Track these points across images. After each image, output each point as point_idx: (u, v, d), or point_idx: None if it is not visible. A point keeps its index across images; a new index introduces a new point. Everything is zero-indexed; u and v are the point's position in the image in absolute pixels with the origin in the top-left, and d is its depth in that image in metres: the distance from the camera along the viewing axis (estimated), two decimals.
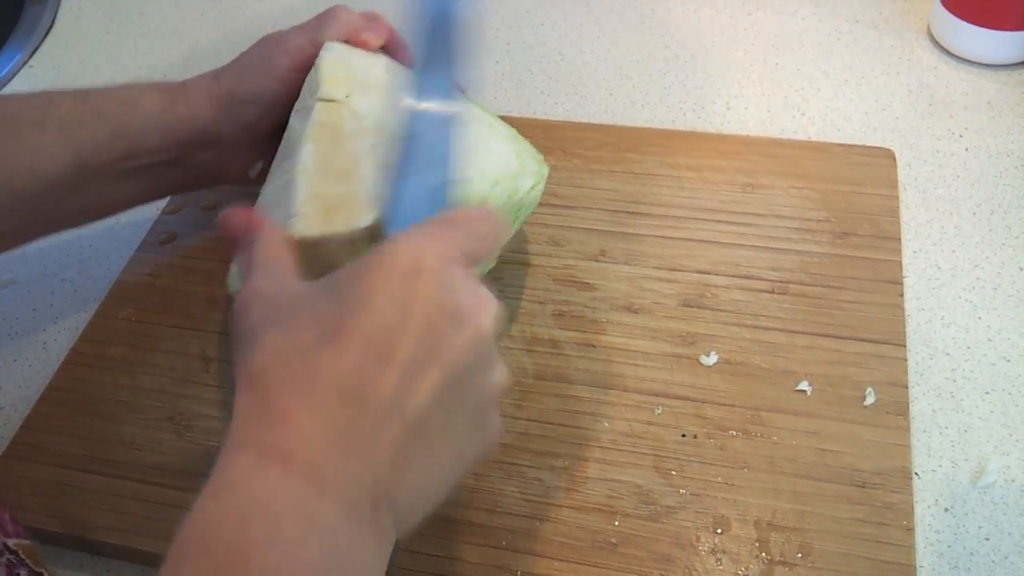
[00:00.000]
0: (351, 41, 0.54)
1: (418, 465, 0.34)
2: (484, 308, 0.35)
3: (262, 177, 0.53)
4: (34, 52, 0.85)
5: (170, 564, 0.30)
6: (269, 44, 0.56)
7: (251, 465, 0.31)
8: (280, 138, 0.53)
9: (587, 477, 0.49)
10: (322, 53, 0.52)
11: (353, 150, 0.47)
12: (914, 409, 0.51)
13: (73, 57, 0.84)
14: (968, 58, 0.71)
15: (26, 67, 0.84)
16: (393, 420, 0.33)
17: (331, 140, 0.48)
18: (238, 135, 0.56)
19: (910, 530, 0.46)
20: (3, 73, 0.82)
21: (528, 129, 0.56)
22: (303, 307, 0.35)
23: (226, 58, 0.81)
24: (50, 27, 0.88)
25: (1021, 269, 0.57)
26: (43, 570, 0.43)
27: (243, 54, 0.57)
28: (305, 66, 0.53)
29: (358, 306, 0.33)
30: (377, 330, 0.33)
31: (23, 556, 0.43)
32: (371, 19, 0.55)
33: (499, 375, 0.37)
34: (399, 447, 0.33)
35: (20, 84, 0.82)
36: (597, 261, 0.59)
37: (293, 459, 0.31)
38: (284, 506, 0.30)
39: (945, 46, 0.72)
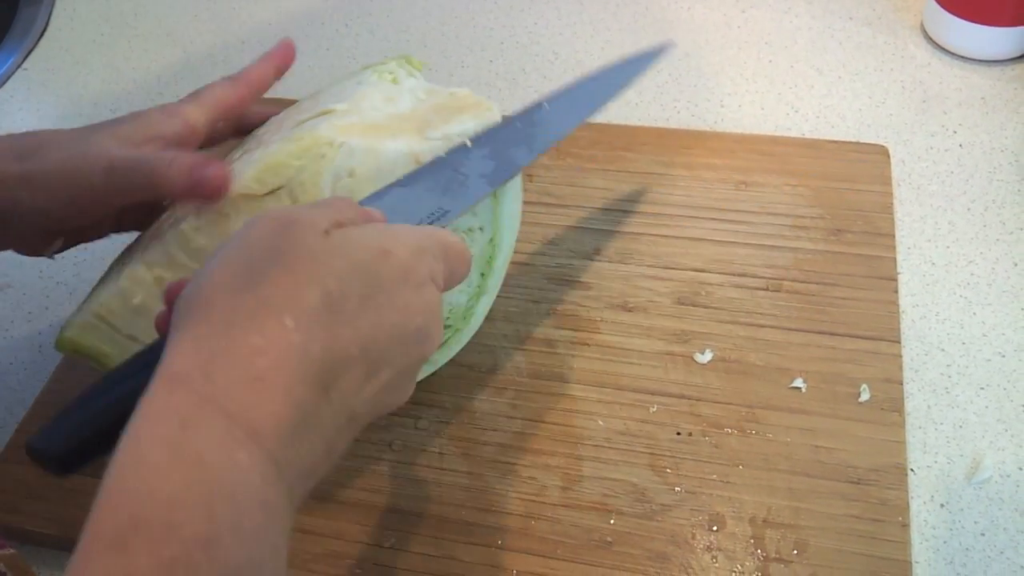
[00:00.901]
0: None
1: (338, 447, 0.34)
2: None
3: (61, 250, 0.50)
4: (28, 54, 0.85)
5: (116, 533, 0.28)
6: (88, 152, 0.45)
7: (220, 435, 0.30)
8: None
9: (582, 475, 0.49)
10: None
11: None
12: (909, 405, 0.51)
13: (67, 59, 0.84)
14: (961, 54, 0.71)
15: (20, 69, 0.84)
16: (343, 414, 0.33)
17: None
18: (32, 225, 0.47)
19: (905, 526, 0.46)
20: None
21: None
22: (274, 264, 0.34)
23: (220, 61, 0.81)
24: (44, 29, 0.88)
25: (1015, 264, 0.58)
26: None
27: (54, 146, 0.46)
28: (128, 173, 0.45)
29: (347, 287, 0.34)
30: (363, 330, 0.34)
31: (4, 568, 0.43)
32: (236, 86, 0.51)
33: (436, 340, 0.37)
34: (337, 435, 0.33)
35: (14, 86, 0.82)
36: (591, 259, 0.59)
37: (261, 439, 0.30)
38: (249, 495, 0.30)
39: (938, 42, 0.72)
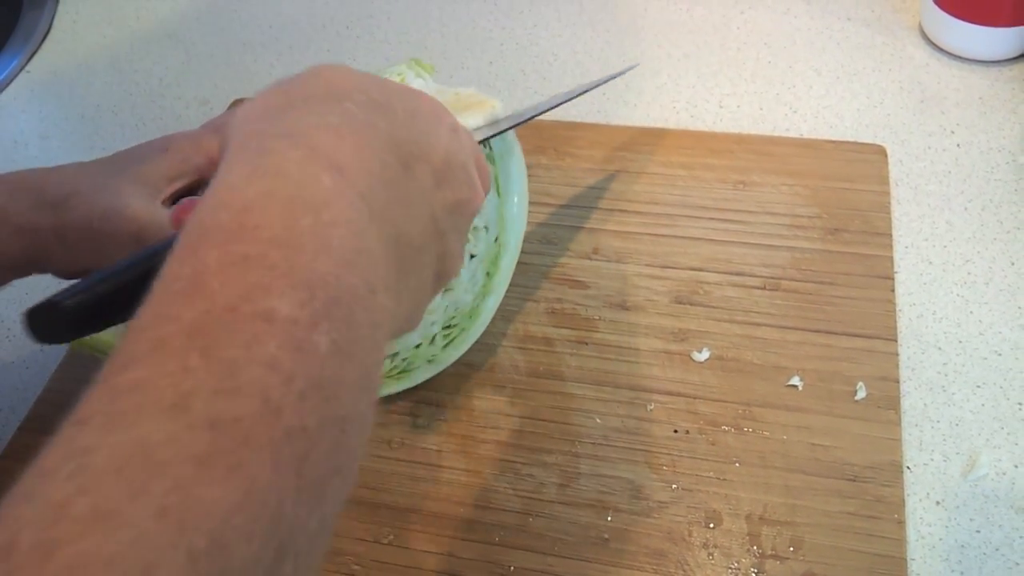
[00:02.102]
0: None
1: (426, 269, 0.34)
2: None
3: None
4: (31, 57, 0.86)
5: (187, 242, 0.26)
6: (117, 211, 0.45)
7: (301, 159, 0.28)
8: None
9: (579, 473, 0.49)
10: None
11: None
12: (905, 403, 0.51)
13: (70, 61, 0.85)
14: (959, 54, 0.71)
15: (23, 72, 0.84)
16: (425, 204, 0.33)
17: None
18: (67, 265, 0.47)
19: (901, 523, 0.46)
20: (1, 78, 0.83)
21: (521, 129, 0.56)
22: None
23: (222, 63, 0.82)
24: (47, 31, 0.88)
25: (1012, 263, 0.58)
26: None
27: (81, 194, 0.46)
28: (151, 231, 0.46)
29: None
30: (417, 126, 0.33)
31: None
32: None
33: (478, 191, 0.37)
34: (425, 238, 0.33)
35: (18, 89, 0.83)
36: (590, 259, 0.60)
37: (347, 174, 0.28)
38: (336, 216, 0.27)
39: (936, 43, 0.72)
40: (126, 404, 0.22)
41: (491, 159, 0.56)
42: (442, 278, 0.36)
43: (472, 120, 0.50)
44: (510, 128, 0.51)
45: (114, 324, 0.32)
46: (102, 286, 0.34)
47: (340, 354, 0.25)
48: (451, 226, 0.35)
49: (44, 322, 0.34)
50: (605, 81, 0.64)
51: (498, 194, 0.55)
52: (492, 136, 0.50)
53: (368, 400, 0.27)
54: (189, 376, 0.22)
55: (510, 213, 0.54)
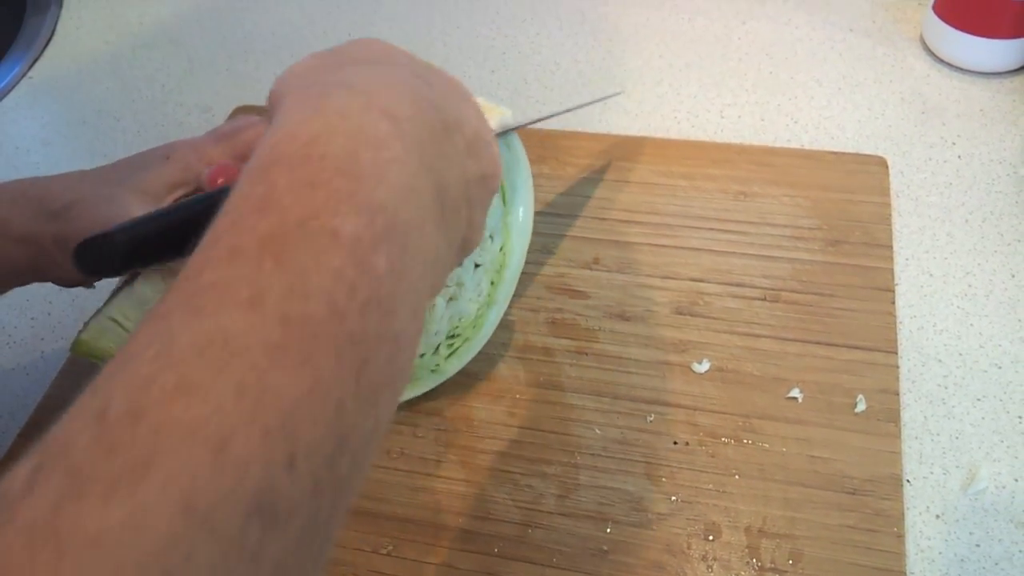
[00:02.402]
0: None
1: (458, 227, 0.35)
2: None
3: None
4: (34, 63, 0.86)
5: (256, 166, 0.28)
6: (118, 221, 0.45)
7: (360, 105, 0.30)
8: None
9: (578, 484, 0.49)
10: None
11: None
12: (905, 416, 0.51)
13: (72, 67, 0.85)
14: (961, 66, 0.71)
15: (26, 78, 0.84)
16: (460, 173, 0.34)
17: None
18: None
19: (901, 537, 0.46)
20: (3, 84, 0.83)
21: (523, 138, 0.56)
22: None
23: (223, 69, 0.82)
24: (50, 38, 0.88)
25: (1013, 276, 0.58)
26: None
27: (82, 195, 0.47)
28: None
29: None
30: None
31: None
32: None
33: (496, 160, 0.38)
34: (458, 201, 0.34)
35: (20, 94, 0.83)
36: (590, 269, 0.60)
37: (400, 124, 0.30)
38: (393, 155, 0.29)
39: (938, 54, 0.73)
40: (205, 300, 0.24)
41: None
42: (466, 246, 0.37)
43: None
44: (511, 130, 0.52)
45: (158, 262, 0.34)
46: (150, 225, 0.37)
47: (395, 275, 0.27)
48: (477, 197, 0.36)
49: (95, 255, 0.36)
50: (588, 104, 0.66)
51: (504, 203, 0.55)
52: (499, 134, 0.51)
53: (416, 327, 0.29)
54: (263, 277, 0.24)
55: (516, 223, 0.55)
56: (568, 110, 0.62)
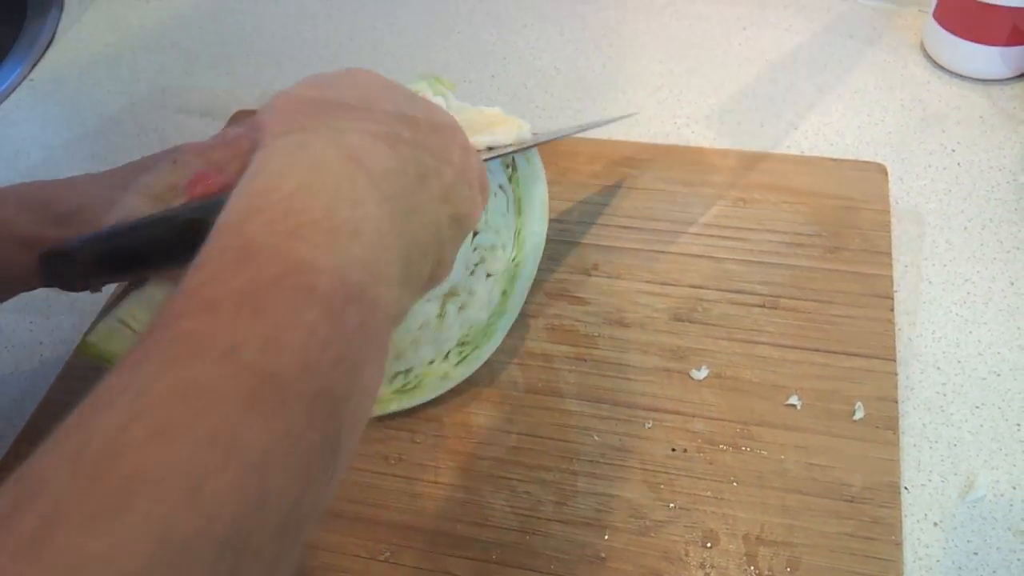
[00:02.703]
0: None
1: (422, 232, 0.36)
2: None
3: None
4: (35, 65, 0.86)
5: (233, 218, 0.29)
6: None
7: (338, 158, 0.32)
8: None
9: (576, 491, 0.49)
10: None
11: None
12: (904, 423, 0.51)
13: (73, 70, 0.85)
14: (961, 73, 0.71)
15: (27, 80, 0.84)
16: (431, 214, 0.36)
17: None
18: None
19: (899, 545, 0.46)
20: (4, 87, 0.83)
21: None
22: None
23: (224, 73, 0.82)
24: (51, 40, 0.88)
25: (1012, 283, 0.58)
26: None
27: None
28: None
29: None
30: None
31: None
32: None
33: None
34: (425, 206, 0.36)
35: (21, 97, 0.83)
36: (589, 275, 0.60)
37: (374, 178, 0.32)
38: (368, 213, 0.31)
39: (938, 61, 0.73)
40: (181, 349, 0.25)
41: (515, 181, 0.56)
42: (431, 283, 0.38)
43: (503, 138, 0.51)
44: (509, 153, 0.52)
45: (122, 279, 0.33)
46: (116, 240, 0.36)
47: (364, 331, 0.29)
48: (449, 236, 0.37)
49: (55, 269, 0.36)
50: (603, 124, 0.66)
51: (519, 214, 0.55)
52: (493, 157, 0.50)
53: (378, 376, 0.31)
54: (239, 330, 0.26)
55: (530, 236, 0.55)
56: (583, 128, 0.62)
